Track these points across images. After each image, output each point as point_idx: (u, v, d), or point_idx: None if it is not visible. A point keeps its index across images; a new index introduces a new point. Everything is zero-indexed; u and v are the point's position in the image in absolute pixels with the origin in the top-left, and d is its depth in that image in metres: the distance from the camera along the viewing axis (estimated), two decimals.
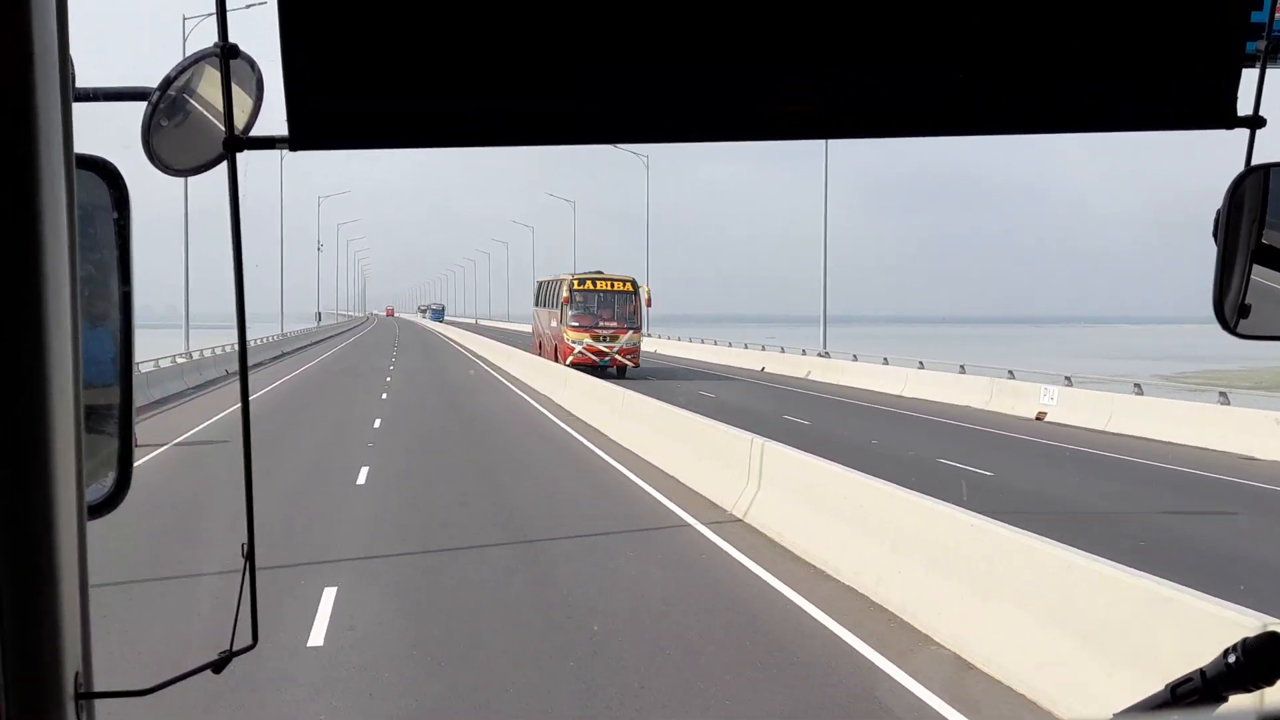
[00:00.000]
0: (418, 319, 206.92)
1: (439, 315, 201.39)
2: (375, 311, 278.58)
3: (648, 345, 53.84)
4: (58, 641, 1.12)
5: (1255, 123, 1.42)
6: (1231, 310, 1.59)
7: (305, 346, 70.86)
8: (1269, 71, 1.50)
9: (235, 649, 1.34)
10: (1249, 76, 1.40)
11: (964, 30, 1.35)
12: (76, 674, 1.14)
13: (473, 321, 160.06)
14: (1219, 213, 1.55)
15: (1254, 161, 1.53)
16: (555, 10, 1.31)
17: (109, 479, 1.39)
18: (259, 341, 56.10)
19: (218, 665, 1.33)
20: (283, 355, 59.61)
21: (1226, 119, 1.40)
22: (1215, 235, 1.55)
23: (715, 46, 1.34)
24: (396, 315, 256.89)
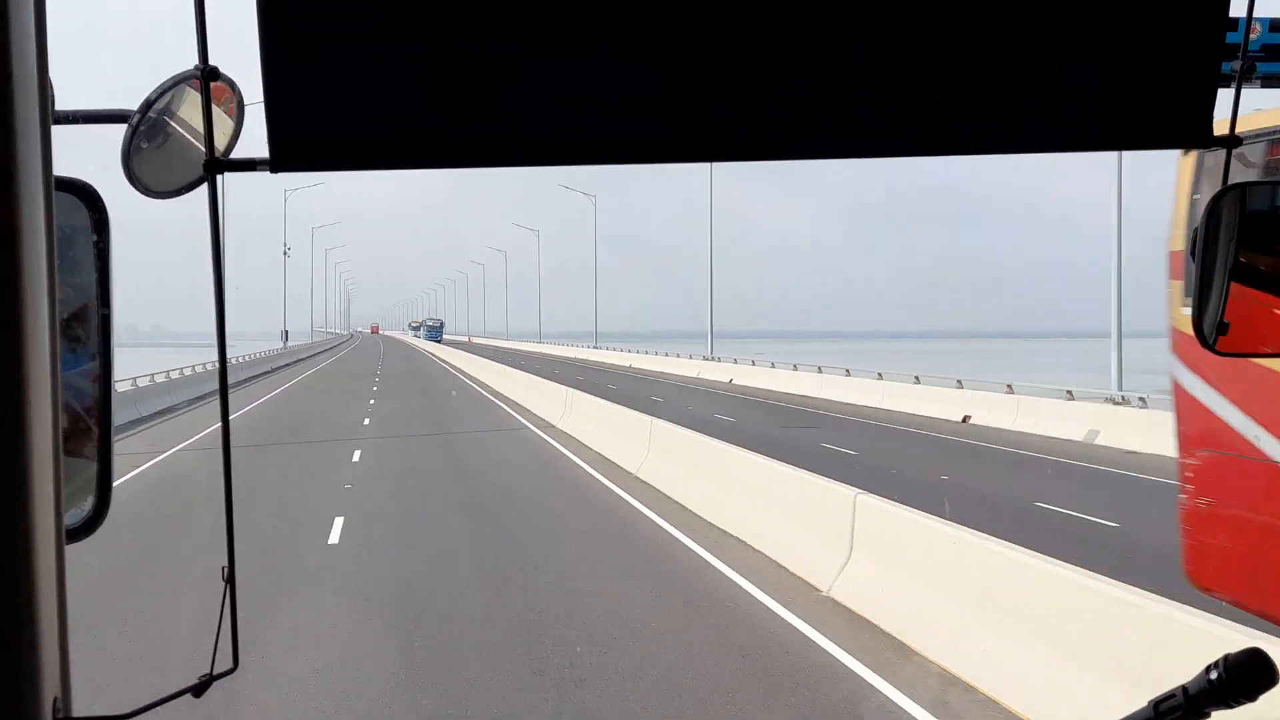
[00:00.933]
0: (408, 338, 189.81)
1: (436, 334, 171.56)
2: (360, 329, 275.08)
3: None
4: (36, 666, 1.11)
5: (1231, 141, 1.43)
6: (1210, 328, 1.60)
7: (243, 381, 51.11)
8: (1244, 91, 1.51)
9: (216, 672, 1.33)
10: (1225, 96, 1.42)
11: (944, 52, 1.36)
12: (55, 699, 1.13)
13: (465, 340, 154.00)
14: (1196, 231, 1.56)
15: (1230, 180, 1.54)
16: (538, 33, 1.32)
17: (88, 502, 1.38)
18: (160, 379, 38.05)
19: (198, 689, 1.32)
20: (174, 411, 34.52)
21: (1203, 138, 1.42)
22: (1192, 254, 1.56)
23: (702, 70, 1.34)
24: (382, 333, 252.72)
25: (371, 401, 40.56)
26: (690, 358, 65.49)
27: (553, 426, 28.88)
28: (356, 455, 23.22)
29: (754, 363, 55.55)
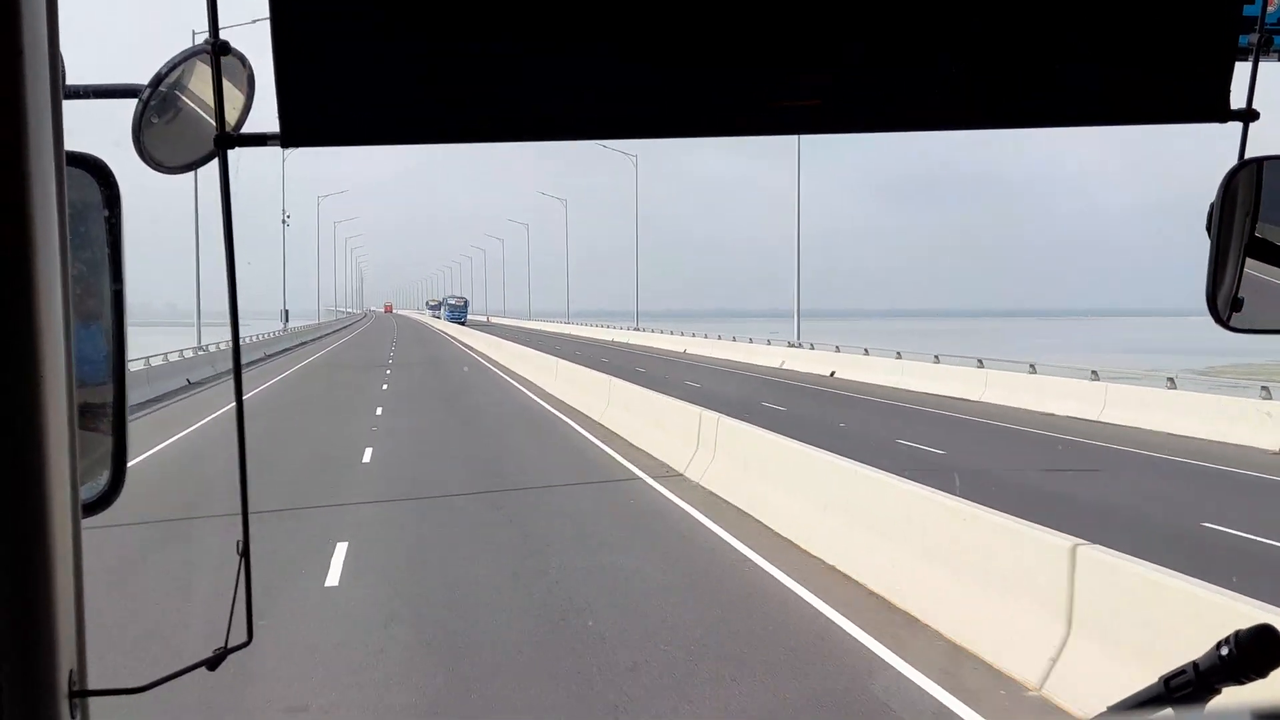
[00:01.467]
0: (425, 318, 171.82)
1: (459, 314, 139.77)
2: (373, 308, 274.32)
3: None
4: (52, 639, 1.11)
5: (1248, 116, 1.42)
6: (1225, 304, 1.59)
7: (201, 384, 36.28)
8: (1261, 65, 1.50)
9: (230, 646, 1.34)
10: (1241, 70, 1.40)
11: (960, 26, 1.35)
12: (71, 672, 1.14)
13: (484, 320, 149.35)
14: (1212, 206, 1.55)
15: (1247, 154, 1.53)
16: (550, 5, 1.31)
17: (103, 477, 1.39)
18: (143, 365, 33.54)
19: (212, 663, 1.33)
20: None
21: (1220, 113, 1.40)
22: (1209, 229, 1.55)
23: (714, 42, 1.33)
24: (396, 312, 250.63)
25: (378, 412, 28.26)
26: (766, 341, 53.92)
27: (680, 476, 17.28)
28: (338, 561, 11.79)
29: (836, 349, 45.80)
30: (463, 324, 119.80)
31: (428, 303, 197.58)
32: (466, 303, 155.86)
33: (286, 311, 76.29)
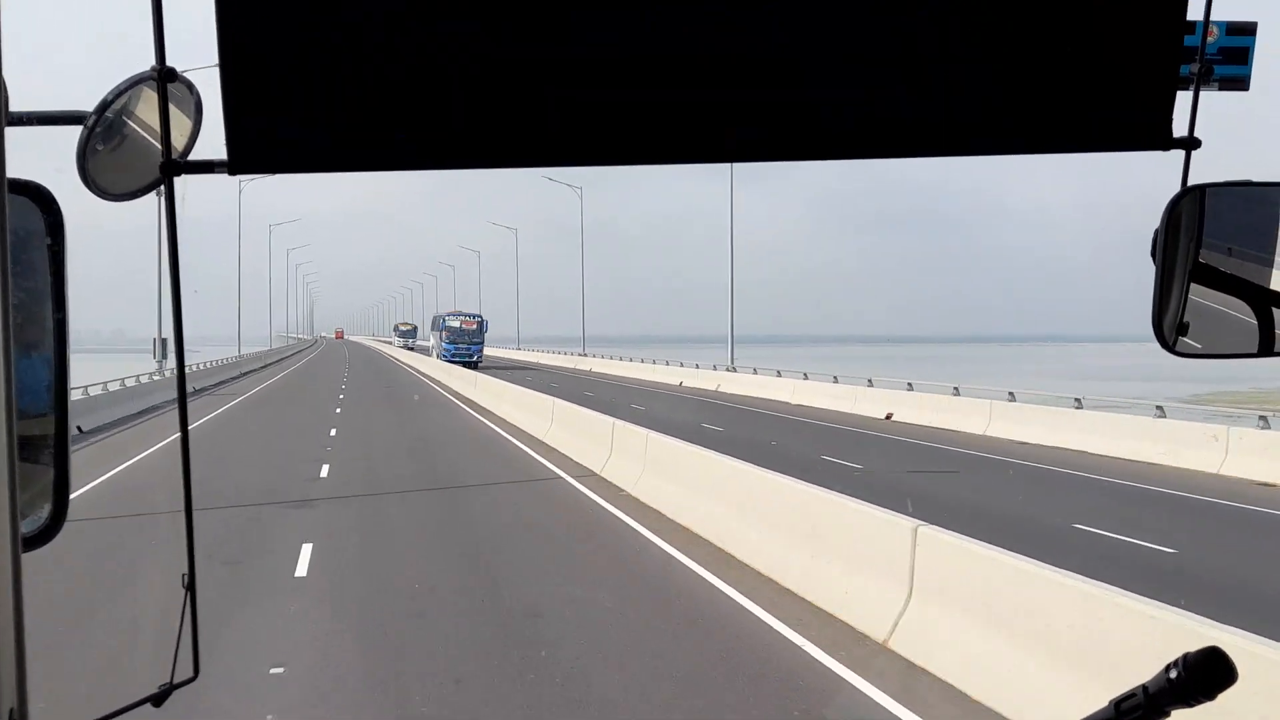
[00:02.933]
0: (379, 346, 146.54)
1: (468, 349, 79.84)
2: (324, 334, 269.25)
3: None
4: None
5: (1190, 144, 1.44)
6: (1170, 329, 1.62)
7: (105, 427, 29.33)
8: (1202, 94, 1.53)
9: (176, 681, 1.32)
10: (1183, 99, 1.43)
11: (906, 55, 1.36)
12: (11, 710, 1.11)
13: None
14: (1157, 232, 1.57)
15: (1190, 182, 1.56)
16: (499, 34, 1.31)
17: (44, 510, 1.36)
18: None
19: (157, 699, 1.30)
20: None
21: (1162, 140, 1.43)
22: (1154, 255, 1.57)
23: (668, 72, 1.34)
24: (347, 338, 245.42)
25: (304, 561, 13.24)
26: (779, 374, 47.61)
27: (730, 558, 12.92)
28: None
29: (868, 382, 39.54)
30: (474, 366, 69.04)
31: (397, 327, 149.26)
32: (483, 325, 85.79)
33: (164, 341, 48.32)
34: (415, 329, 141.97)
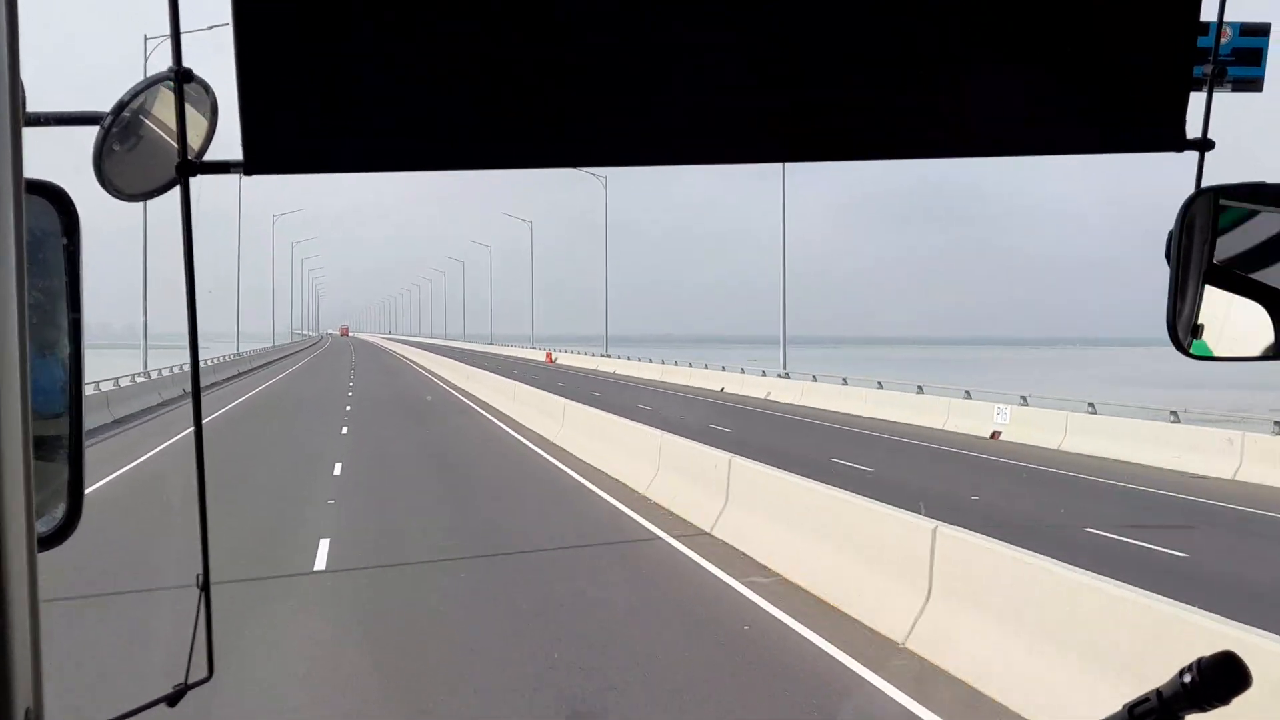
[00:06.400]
0: (391, 345, 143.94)
1: None
2: (330, 331, 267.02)
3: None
4: (8, 678, 1.09)
5: (1204, 145, 1.44)
6: (1184, 331, 1.61)
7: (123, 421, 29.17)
8: (1216, 95, 1.52)
9: (191, 681, 1.32)
10: (1197, 100, 1.42)
11: (923, 59, 1.36)
12: (27, 710, 1.11)
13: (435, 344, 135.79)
14: (1171, 234, 1.57)
15: (1204, 183, 1.55)
16: (511, 36, 1.31)
17: (60, 510, 1.36)
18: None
19: (172, 699, 1.31)
20: None
21: (1176, 142, 1.42)
22: (1168, 257, 1.57)
23: (683, 72, 1.34)
24: (352, 335, 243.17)
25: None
26: (845, 381, 42.36)
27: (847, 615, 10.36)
28: None
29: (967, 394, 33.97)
30: None
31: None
32: None
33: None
34: None
